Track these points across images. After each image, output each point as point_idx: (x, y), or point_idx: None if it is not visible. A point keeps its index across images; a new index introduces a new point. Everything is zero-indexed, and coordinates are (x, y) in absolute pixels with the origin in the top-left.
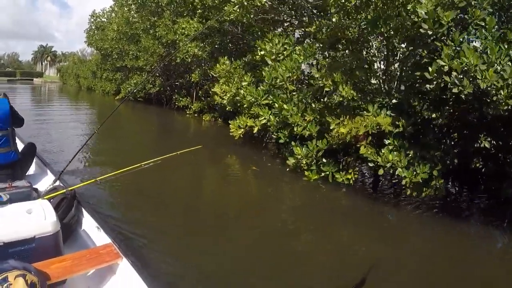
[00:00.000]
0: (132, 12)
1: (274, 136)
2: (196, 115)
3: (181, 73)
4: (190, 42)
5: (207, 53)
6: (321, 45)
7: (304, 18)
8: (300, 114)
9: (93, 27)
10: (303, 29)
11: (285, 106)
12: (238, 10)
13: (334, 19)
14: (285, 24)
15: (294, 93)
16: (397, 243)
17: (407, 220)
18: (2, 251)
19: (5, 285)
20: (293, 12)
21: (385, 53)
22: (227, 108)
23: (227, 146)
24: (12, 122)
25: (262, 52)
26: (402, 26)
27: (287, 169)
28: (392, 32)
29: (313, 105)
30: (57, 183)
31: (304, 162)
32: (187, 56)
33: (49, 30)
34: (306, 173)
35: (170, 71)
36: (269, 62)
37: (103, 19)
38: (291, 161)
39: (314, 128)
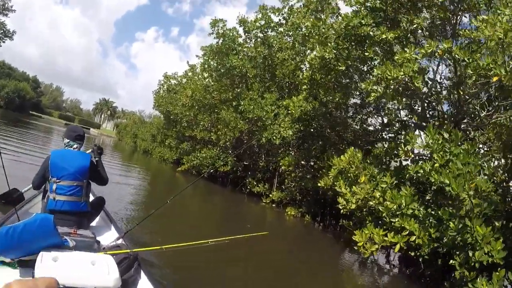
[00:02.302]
0: (208, 80)
1: (419, 253)
2: (274, 205)
3: (253, 154)
4: (292, 122)
5: (296, 137)
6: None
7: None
8: None
9: (163, 89)
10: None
11: (478, 228)
12: (381, 90)
13: None
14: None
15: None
16: None
17: None
18: None
19: None
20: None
21: None
22: (344, 210)
23: (328, 255)
24: (91, 176)
25: (409, 147)
26: None
27: None
28: None
29: (497, 223)
30: (120, 241)
31: None
32: (274, 137)
33: (114, 86)
34: None
35: (243, 151)
36: (456, 170)
37: (173, 81)
38: None
39: (499, 253)
